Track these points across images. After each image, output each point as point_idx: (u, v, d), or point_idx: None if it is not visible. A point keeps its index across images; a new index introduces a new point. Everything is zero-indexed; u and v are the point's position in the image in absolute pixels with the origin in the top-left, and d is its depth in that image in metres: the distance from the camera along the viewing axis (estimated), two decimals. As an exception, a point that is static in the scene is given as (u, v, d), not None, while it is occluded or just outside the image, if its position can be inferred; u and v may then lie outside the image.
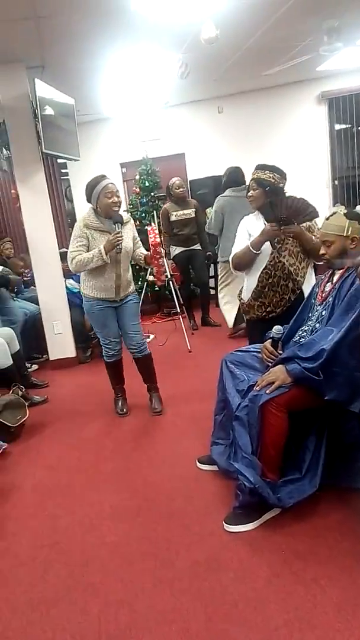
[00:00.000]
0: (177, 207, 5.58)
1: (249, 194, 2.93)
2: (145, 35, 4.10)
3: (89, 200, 3.26)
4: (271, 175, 2.84)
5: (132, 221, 3.48)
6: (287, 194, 2.83)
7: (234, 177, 5.25)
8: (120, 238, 3.17)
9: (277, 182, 2.84)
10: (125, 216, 3.39)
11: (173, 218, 5.56)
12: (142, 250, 3.50)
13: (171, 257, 5.69)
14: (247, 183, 5.19)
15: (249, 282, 2.98)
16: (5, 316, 4.55)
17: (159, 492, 2.50)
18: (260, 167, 2.90)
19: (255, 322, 2.98)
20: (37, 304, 4.93)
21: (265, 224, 2.81)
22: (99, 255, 3.15)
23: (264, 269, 2.83)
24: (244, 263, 2.94)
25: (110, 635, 1.67)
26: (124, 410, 3.58)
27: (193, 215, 5.58)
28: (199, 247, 5.75)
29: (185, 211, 5.57)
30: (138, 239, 3.51)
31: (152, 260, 3.53)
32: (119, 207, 3.28)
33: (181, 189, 5.56)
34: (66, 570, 2.02)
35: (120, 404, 3.62)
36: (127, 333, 3.46)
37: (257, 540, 2.03)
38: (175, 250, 5.68)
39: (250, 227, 2.95)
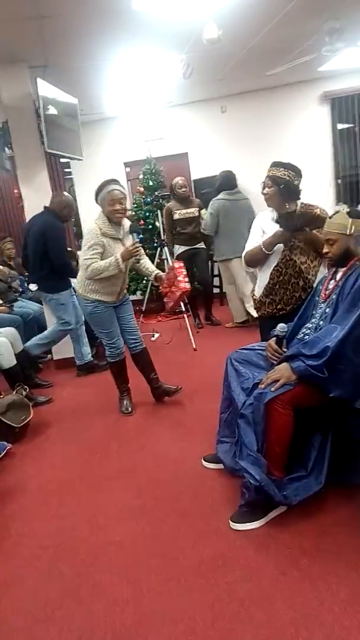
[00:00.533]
0: (181, 206, 5.60)
1: (264, 191, 2.90)
2: (148, 35, 4.10)
3: (97, 202, 3.28)
4: (286, 172, 2.80)
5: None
6: (301, 200, 2.83)
7: (227, 181, 5.39)
8: (139, 248, 3.27)
9: (292, 180, 2.81)
10: (126, 225, 3.42)
11: (176, 217, 5.57)
12: (150, 265, 3.55)
13: (175, 257, 5.70)
14: (238, 186, 5.36)
15: (261, 279, 2.99)
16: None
17: (165, 491, 2.50)
18: (276, 165, 2.85)
19: (266, 319, 2.98)
20: (41, 303, 4.91)
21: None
22: (115, 263, 3.19)
23: (275, 266, 2.83)
24: (255, 260, 2.96)
25: (116, 634, 1.67)
26: (129, 409, 3.58)
27: (196, 214, 5.60)
28: (203, 246, 5.76)
29: (189, 210, 5.58)
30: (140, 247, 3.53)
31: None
32: (123, 214, 3.29)
33: (184, 189, 5.58)
34: (72, 570, 2.02)
35: (125, 403, 3.62)
36: (128, 329, 3.56)
37: (263, 538, 2.03)
38: (179, 249, 5.68)
39: (265, 225, 2.94)
